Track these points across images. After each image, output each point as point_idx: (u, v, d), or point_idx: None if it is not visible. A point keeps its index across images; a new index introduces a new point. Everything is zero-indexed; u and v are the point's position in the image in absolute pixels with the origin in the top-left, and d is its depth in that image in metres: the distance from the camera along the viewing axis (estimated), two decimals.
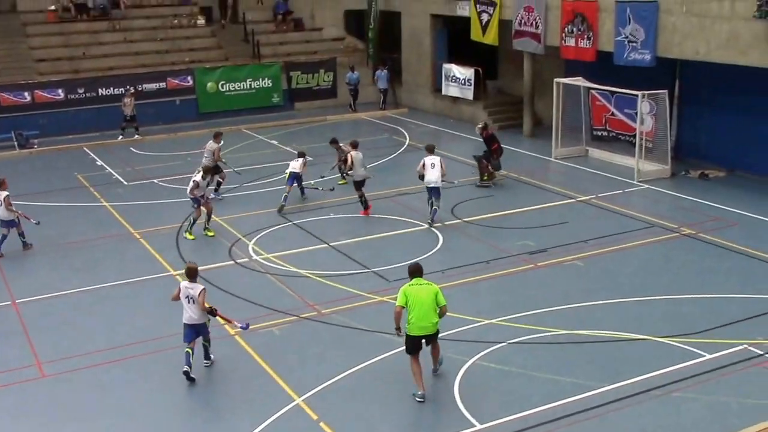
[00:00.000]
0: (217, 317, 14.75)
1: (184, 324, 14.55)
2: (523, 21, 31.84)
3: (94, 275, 19.43)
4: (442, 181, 22.06)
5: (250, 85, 38.18)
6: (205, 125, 35.59)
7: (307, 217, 23.21)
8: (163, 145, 33.02)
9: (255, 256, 20.30)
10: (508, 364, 14.77)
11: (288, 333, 16.26)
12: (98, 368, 15.10)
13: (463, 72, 36.17)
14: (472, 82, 35.67)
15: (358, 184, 23.30)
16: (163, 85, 36.48)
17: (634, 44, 26.96)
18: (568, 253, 19.93)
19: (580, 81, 29.46)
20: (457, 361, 14.75)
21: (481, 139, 26.69)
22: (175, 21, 40.90)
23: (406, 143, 32.02)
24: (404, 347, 13.81)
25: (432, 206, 22.18)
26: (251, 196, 25.46)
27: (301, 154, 24.86)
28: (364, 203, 23.33)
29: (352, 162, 23.17)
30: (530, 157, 29.65)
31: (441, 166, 21.94)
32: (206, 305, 14.44)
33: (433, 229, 21.89)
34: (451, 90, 36.96)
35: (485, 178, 26.04)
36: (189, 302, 14.45)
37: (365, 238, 21.51)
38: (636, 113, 26.87)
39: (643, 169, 26.54)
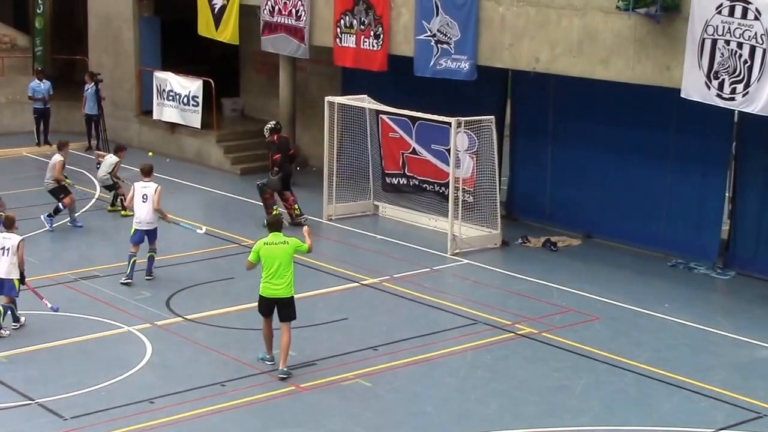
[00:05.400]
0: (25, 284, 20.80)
1: None
2: (276, 8, 32.06)
3: None
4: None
5: None
6: None
7: None
8: None
9: None
10: None
11: None
12: None
13: (185, 85, 36.05)
14: (200, 100, 35.60)
15: None
16: None
17: (446, 46, 27.51)
18: (347, 368, 19.92)
19: (365, 101, 29.80)
20: None
21: (269, 148, 29.19)
22: None
23: (94, 198, 31.34)
24: None
25: (149, 253, 24.43)
26: None
27: None
28: None
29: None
30: None
31: (155, 197, 24.12)
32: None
33: (136, 332, 21.46)
34: (166, 113, 36.80)
35: (298, 212, 28.45)
36: (2, 254, 20.28)
37: (23, 350, 20.80)
38: (449, 150, 27.31)
39: (461, 236, 27.03)
